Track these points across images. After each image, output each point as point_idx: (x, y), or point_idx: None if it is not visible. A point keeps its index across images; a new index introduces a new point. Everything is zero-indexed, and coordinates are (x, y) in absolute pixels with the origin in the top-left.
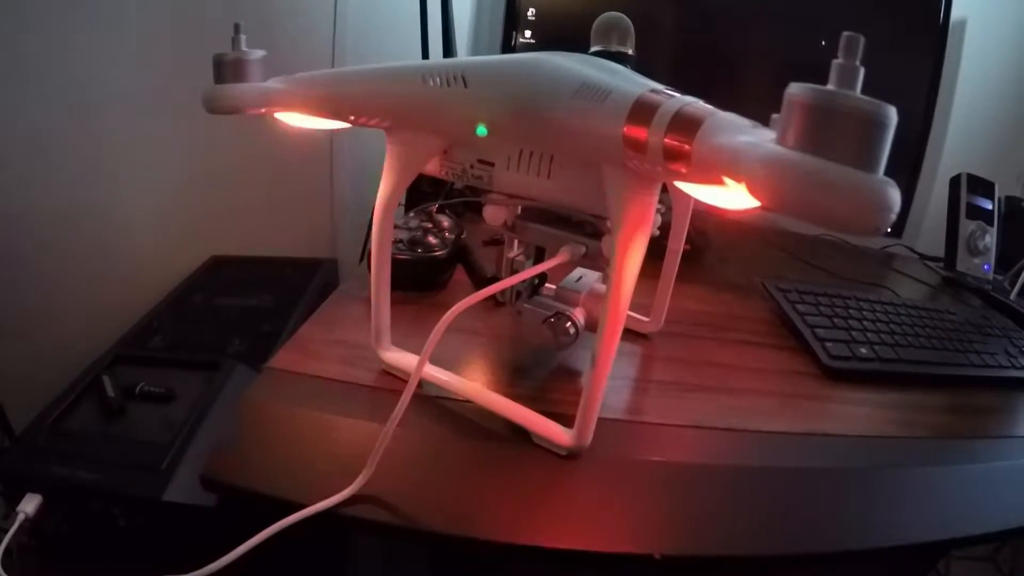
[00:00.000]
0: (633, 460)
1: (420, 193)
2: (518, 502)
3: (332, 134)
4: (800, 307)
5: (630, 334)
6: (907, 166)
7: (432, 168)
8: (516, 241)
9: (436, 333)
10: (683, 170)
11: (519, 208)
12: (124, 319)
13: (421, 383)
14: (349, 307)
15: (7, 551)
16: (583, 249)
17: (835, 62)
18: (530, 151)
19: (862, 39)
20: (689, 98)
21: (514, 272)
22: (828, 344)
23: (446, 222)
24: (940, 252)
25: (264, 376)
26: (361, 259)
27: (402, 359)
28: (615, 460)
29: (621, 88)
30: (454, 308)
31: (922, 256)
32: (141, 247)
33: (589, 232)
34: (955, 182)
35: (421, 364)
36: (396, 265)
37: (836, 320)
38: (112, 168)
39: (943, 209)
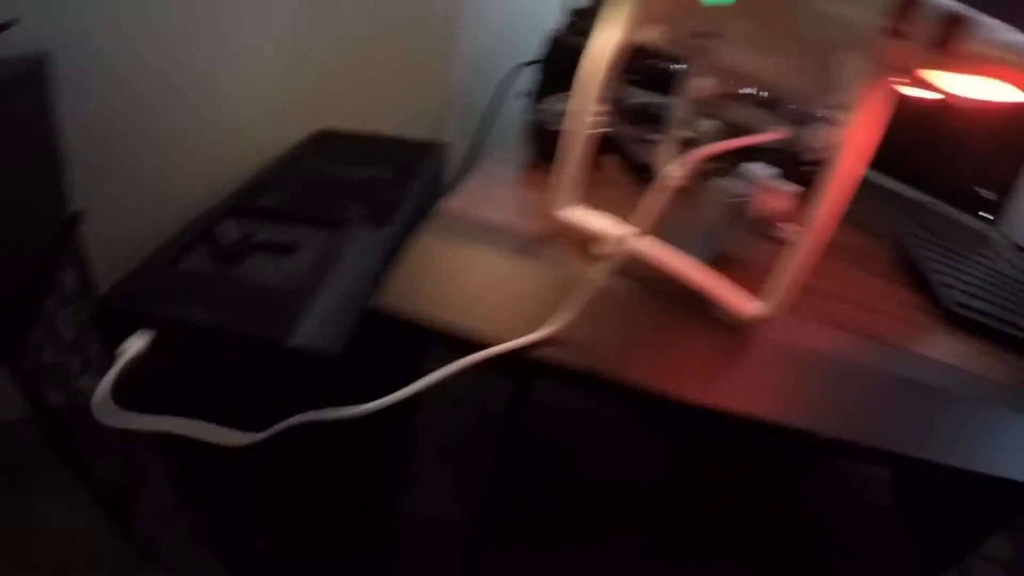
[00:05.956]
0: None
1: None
2: (698, 367)
3: (456, 14)
4: (927, 253)
5: None
6: None
7: (652, 33)
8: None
9: (657, 197)
10: (950, 59)
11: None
12: (228, 181)
13: (609, 244)
14: (494, 186)
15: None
16: (792, 132)
17: None
18: (766, 28)
19: None
20: None
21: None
22: (951, 291)
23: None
24: None
25: (436, 218)
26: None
27: (588, 218)
28: (779, 344)
29: None
30: (671, 167)
31: None
32: (243, 116)
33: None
34: None
35: (632, 235)
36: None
37: (965, 276)
38: (219, 32)
39: None
